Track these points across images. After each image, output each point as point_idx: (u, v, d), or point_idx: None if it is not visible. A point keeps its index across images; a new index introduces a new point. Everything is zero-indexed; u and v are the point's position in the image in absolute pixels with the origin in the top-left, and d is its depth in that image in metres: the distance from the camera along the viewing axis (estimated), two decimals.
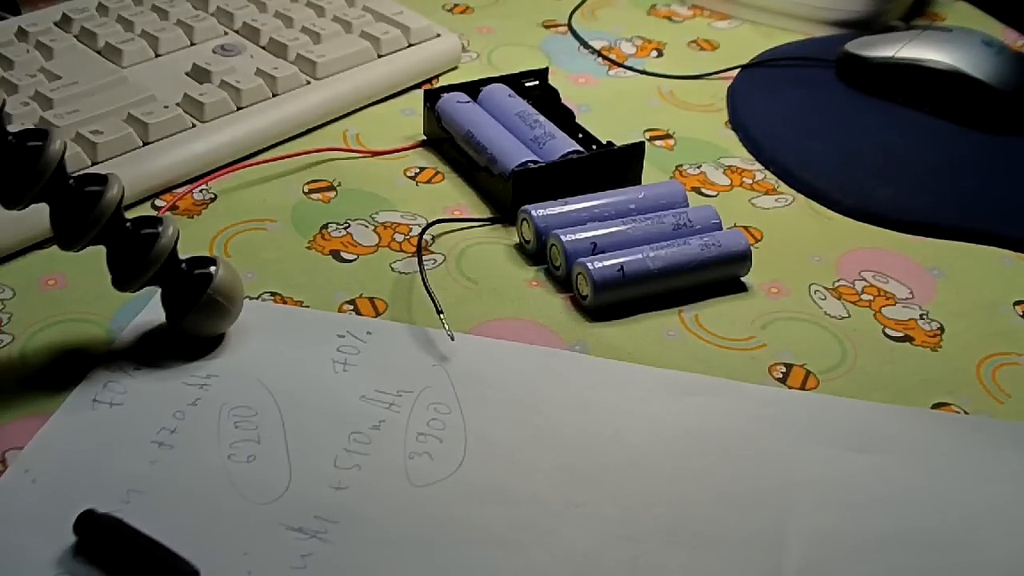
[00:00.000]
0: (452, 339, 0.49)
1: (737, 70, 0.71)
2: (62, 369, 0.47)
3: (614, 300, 0.51)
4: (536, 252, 0.54)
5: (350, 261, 0.54)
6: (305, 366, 0.47)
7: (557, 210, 0.54)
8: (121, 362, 0.47)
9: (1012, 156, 0.63)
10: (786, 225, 0.58)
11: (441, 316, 0.49)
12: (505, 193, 0.56)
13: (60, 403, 0.45)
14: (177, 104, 0.60)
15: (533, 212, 0.54)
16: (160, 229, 0.46)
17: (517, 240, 0.55)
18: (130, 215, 0.46)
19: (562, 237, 0.52)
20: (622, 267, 0.51)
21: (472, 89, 0.63)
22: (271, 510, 0.41)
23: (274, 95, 0.62)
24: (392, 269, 0.53)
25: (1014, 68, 0.66)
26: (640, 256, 0.51)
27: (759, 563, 0.41)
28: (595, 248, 0.52)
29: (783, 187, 0.61)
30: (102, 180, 0.45)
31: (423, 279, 0.51)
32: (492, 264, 0.54)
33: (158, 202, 0.57)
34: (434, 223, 0.55)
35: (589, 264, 0.51)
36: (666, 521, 0.42)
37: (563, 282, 0.53)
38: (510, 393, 0.47)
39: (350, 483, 0.42)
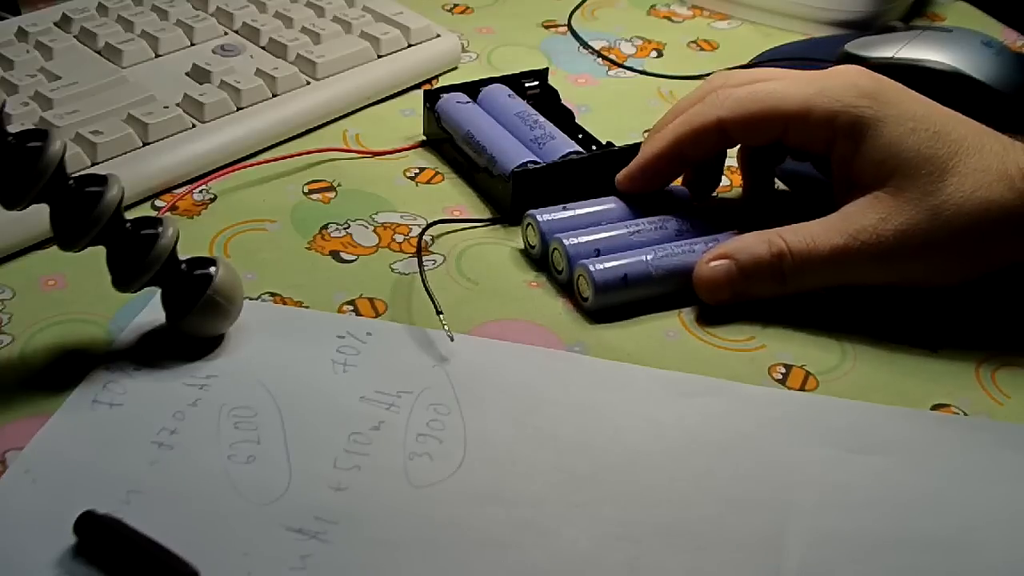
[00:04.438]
0: (452, 340, 0.49)
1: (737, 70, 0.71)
2: (62, 370, 0.47)
3: (614, 303, 0.51)
4: (540, 257, 0.54)
5: (350, 262, 0.54)
6: (305, 367, 0.47)
7: (561, 215, 0.54)
8: (121, 363, 0.47)
9: None
10: None
11: (441, 317, 0.49)
12: (505, 194, 0.56)
13: (60, 404, 0.45)
14: (177, 104, 0.60)
15: (539, 217, 0.53)
16: (160, 230, 0.46)
17: (517, 241, 0.55)
18: (130, 215, 0.46)
19: (564, 241, 0.52)
20: (624, 273, 0.51)
21: (472, 89, 0.63)
22: (271, 511, 0.41)
23: (274, 95, 0.62)
24: (392, 270, 0.53)
25: (1014, 68, 0.66)
26: (642, 259, 0.51)
27: (759, 564, 0.41)
28: (598, 253, 0.52)
29: (783, 188, 0.61)
30: (102, 181, 0.45)
31: (423, 280, 0.51)
32: (492, 265, 0.54)
33: (158, 202, 0.57)
34: (434, 224, 0.55)
35: (590, 266, 0.51)
36: (666, 522, 0.42)
37: (564, 285, 0.53)
38: (510, 394, 0.47)
39: (350, 484, 0.43)
